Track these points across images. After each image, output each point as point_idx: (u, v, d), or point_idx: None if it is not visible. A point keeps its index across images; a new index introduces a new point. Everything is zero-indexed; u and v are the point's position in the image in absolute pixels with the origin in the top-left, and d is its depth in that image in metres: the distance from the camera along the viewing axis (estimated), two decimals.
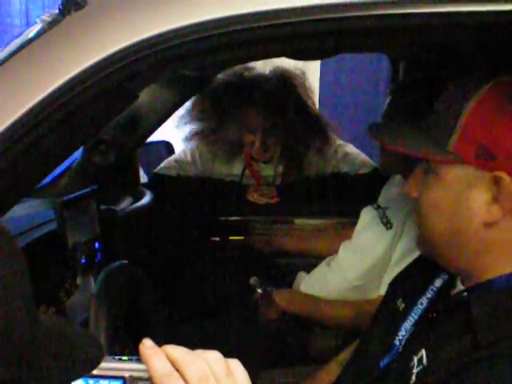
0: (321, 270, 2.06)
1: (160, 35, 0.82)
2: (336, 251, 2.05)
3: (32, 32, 0.93)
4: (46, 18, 0.90)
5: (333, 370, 1.51)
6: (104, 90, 0.85)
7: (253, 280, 2.01)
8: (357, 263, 1.88)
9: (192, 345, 0.65)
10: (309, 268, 2.13)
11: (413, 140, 0.96)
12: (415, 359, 0.91)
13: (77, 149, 1.58)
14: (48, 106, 0.84)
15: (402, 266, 1.72)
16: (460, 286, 0.98)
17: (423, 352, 0.90)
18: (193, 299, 2.15)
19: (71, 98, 0.84)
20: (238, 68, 2.40)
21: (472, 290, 0.93)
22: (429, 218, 0.95)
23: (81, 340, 0.63)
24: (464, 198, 0.89)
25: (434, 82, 1.40)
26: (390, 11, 0.83)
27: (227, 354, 0.65)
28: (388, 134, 1.06)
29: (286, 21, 0.84)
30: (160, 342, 0.64)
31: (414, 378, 0.89)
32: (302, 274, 2.15)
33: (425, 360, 0.89)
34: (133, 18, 0.85)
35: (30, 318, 0.56)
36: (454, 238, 0.92)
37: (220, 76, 2.40)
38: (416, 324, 1.01)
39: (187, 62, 0.90)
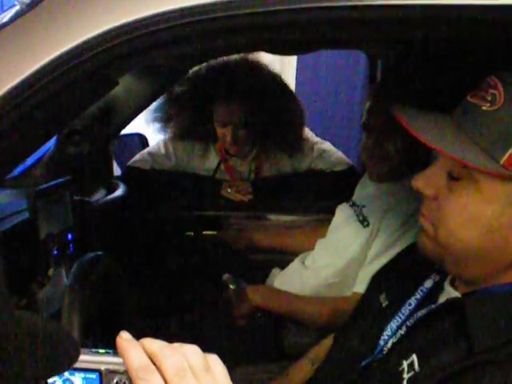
0: (295, 266, 2.05)
1: (143, 20, 0.80)
2: (310, 248, 2.04)
3: (8, 15, 0.91)
4: None
5: (304, 367, 1.50)
6: (83, 75, 0.83)
7: (225, 277, 2.00)
8: (332, 260, 1.88)
9: (165, 339, 0.64)
10: (283, 264, 2.12)
11: (458, 143, 0.86)
12: (405, 364, 0.88)
13: (54, 135, 1.55)
14: (25, 90, 0.81)
15: (377, 263, 1.73)
16: (449, 289, 0.96)
17: (414, 357, 0.87)
18: (166, 294, 2.13)
19: (49, 82, 0.81)
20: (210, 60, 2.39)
21: (466, 294, 0.90)
22: (456, 226, 0.88)
23: (57, 337, 0.61)
24: (506, 215, 0.83)
25: (463, 69, 1.34)
26: (373, 2, 0.81)
27: (200, 348, 0.64)
28: (426, 128, 0.90)
29: (267, 9, 0.82)
30: (133, 335, 0.63)
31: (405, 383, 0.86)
32: (276, 271, 2.15)
33: (416, 366, 0.86)
34: (114, 2, 0.82)
35: (4, 313, 0.54)
36: (481, 252, 0.87)
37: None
38: (404, 325, 0.98)
39: (170, 49, 0.88)
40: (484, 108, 0.84)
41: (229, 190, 2.44)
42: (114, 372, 0.62)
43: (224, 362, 0.64)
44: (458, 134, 0.87)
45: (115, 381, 0.62)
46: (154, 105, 2.43)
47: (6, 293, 0.55)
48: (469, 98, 0.88)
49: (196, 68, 2.39)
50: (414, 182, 0.93)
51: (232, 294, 1.95)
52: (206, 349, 0.64)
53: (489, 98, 0.84)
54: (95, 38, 0.80)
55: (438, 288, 1.00)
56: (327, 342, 1.44)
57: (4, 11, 1.00)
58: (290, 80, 2.60)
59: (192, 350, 0.62)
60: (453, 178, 0.88)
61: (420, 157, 1.70)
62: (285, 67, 2.50)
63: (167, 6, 0.80)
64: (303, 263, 2.02)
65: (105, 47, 0.80)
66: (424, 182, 0.92)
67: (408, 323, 0.97)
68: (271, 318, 1.92)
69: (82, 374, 0.62)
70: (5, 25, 0.86)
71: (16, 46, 0.84)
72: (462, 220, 0.87)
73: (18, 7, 0.93)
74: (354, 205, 1.93)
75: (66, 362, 0.60)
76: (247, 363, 1.74)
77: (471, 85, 0.91)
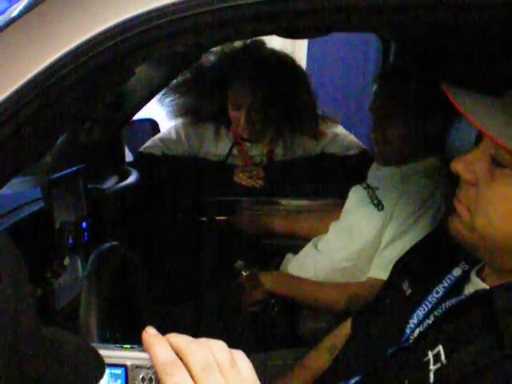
0: (308, 250, 2.04)
1: (159, 9, 0.79)
2: (323, 232, 2.04)
3: (18, 8, 0.89)
4: None
5: (322, 356, 1.47)
6: (101, 66, 0.82)
7: (238, 264, 2.00)
8: (346, 244, 1.87)
9: (179, 326, 0.64)
10: (296, 249, 2.11)
11: (508, 129, 0.81)
12: (430, 354, 0.85)
13: (72, 125, 1.54)
14: (43, 82, 0.80)
15: (392, 248, 1.73)
16: (475, 279, 0.94)
17: (440, 348, 0.84)
18: (179, 280, 2.13)
19: (67, 73, 0.81)
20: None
21: (496, 286, 0.87)
22: (497, 216, 0.84)
23: (82, 354, 0.61)
24: None
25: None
26: None
27: (213, 335, 0.64)
28: (476, 109, 0.84)
29: None
30: (149, 323, 0.64)
31: (432, 375, 0.83)
32: (290, 256, 2.14)
33: (443, 357, 0.83)
34: None
35: (33, 334, 0.54)
36: None
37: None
38: (432, 314, 0.96)
39: (187, 38, 0.87)
40: None
41: (241, 176, 2.43)
42: (140, 367, 0.62)
43: (238, 349, 0.64)
44: (508, 118, 0.82)
45: (141, 376, 0.62)
46: (166, 90, 2.41)
47: (34, 313, 0.55)
48: None
49: (210, 51, 2.37)
50: (453, 164, 0.89)
51: (245, 281, 1.95)
52: (218, 335, 0.64)
53: None
54: (113, 28, 0.79)
55: (464, 278, 0.98)
56: (344, 329, 1.43)
57: (13, 3, 0.99)
58: (301, 63, 2.56)
59: (218, 346, 0.62)
60: (497, 163, 0.84)
61: (424, 142, 1.71)
62: (295, 50, 2.46)
63: None
64: (316, 247, 2.02)
65: (123, 37, 0.79)
66: (465, 165, 0.88)
67: (436, 313, 0.95)
68: (285, 304, 1.92)
69: (108, 370, 0.62)
70: (17, 17, 0.85)
71: (31, 37, 0.83)
72: (503, 210, 0.83)
73: None
74: (367, 187, 1.92)
75: (91, 380, 0.60)
76: (262, 350, 1.74)
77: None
